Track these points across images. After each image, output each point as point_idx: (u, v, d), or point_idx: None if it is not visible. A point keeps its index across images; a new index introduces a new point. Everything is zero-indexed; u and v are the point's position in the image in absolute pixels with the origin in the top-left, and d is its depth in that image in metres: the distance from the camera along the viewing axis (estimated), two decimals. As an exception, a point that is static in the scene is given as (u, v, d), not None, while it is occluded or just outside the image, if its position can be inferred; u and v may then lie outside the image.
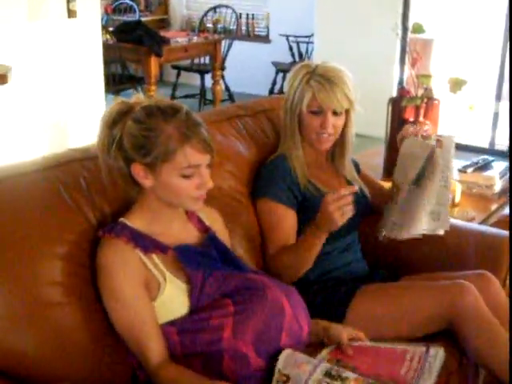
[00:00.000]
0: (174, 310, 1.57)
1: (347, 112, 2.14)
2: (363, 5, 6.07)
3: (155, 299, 1.57)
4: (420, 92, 2.98)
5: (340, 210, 1.83)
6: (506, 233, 2.31)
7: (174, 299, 1.57)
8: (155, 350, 1.53)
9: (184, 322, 1.56)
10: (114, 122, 1.57)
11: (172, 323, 1.57)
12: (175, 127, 1.54)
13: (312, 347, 1.74)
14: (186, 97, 7.37)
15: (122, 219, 1.63)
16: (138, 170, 1.57)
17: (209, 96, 7.14)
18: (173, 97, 7.17)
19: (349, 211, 1.84)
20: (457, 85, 2.82)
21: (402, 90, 3.04)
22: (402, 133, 2.15)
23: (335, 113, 2.10)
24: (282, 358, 1.53)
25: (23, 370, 1.50)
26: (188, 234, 1.71)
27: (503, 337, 1.91)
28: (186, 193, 1.58)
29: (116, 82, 5.85)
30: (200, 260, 1.62)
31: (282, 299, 1.56)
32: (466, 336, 1.94)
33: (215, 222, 1.85)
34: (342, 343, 1.72)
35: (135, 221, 1.63)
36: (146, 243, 1.59)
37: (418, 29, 2.94)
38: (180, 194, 1.59)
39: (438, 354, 1.72)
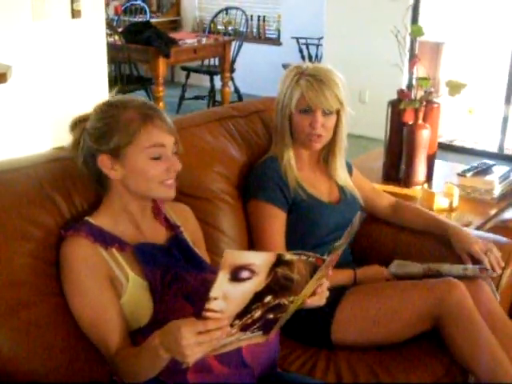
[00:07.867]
0: (139, 311, 1.53)
1: (338, 113, 2.13)
2: (373, 8, 6.08)
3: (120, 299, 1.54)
4: (419, 95, 2.95)
5: None
6: (503, 239, 2.28)
7: (137, 297, 1.54)
8: (116, 342, 1.49)
9: (149, 328, 1.49)
10: (75, 123, 1.62)
11: (138, 331, 1.53)
12: (135, 110, 1.56)
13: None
14: (196, 98, 7.38)
15: (86, 218, 1.62)
16: (103, 161, 1.57)
17: (218, 98, 7.14)
18: (182, 98, 7.19)
19: None
20: (455, 88, 2.78)
21: (401, 93, 3.00)
22: None
23: (325, 112, 2.09)
24: None
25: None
26: (155, 234, 1.69)
27: (488, 339, 1.87)
28: (155, 177, 1.57)
29: (124, 82, 5.86)
30: (159, 258, 1.59)
31: None
32: (450, 335, 1.91)
33: (184, 217, 1.82)
34: None
35: (99, 219, 1.61)
36: (106, 238, 1.57)
37: (417, 31, 2.90)
38: (149, 178, 1.56)
39: None
